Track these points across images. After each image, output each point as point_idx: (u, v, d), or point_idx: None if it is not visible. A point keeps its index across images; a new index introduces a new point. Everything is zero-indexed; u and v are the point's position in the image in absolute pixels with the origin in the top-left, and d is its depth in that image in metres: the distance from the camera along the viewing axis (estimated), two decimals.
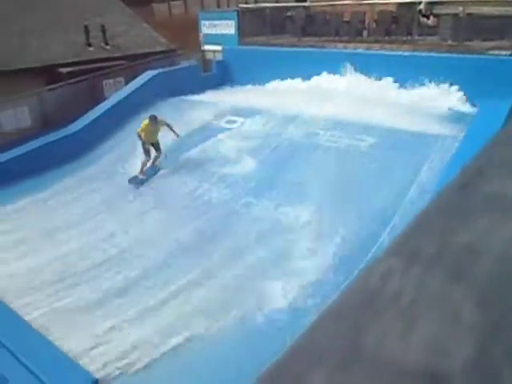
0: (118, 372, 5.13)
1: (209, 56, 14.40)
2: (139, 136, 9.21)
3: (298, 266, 6.25)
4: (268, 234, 7.02)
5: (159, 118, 9.25)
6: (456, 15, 10.80)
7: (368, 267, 0.36)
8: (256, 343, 5.20)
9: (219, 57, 13.98)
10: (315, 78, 11.60)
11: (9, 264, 7.15)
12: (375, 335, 0.28)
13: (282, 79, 12.20)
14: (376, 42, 11.62)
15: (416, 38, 11.31)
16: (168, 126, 9.31)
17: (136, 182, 9.36)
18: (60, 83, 12.91)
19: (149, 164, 9.50)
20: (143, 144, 9.24)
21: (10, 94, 11.44)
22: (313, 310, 5.27)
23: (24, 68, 13.29)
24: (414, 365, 0.26)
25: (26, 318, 5.84)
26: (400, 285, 0.33)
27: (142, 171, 9.37)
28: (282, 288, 5.91)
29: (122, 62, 14.73)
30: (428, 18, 11.43)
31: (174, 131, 9.38)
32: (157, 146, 9.41)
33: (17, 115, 11.75)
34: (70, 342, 5.48)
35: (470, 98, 9.41)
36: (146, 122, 9.13)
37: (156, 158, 9.56)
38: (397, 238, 0.41)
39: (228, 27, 13.84)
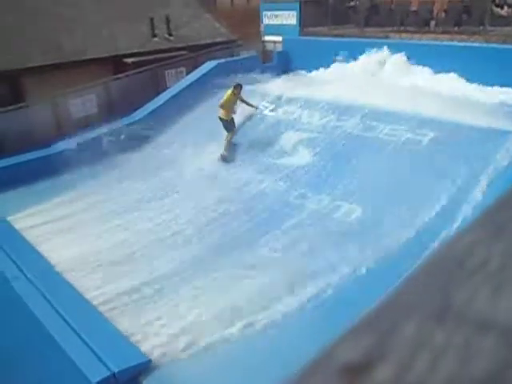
0: None
1: (269, 47, 14.41)
2: (221, 116, 9.48)
3: None
4: None
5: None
6: None
7: (454, 236, 0.36)
8: None
9: (279, 47, 13.95)
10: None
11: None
12: (464, 295, 0.29)
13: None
14: (444, 32, 11.13)
15: (488, 28, 10.72)
16: (244, 101, 9.76)
17: (224, 159, 9.66)
18: (125, 73, 13.42)
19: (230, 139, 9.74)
20: (223, 122, 9.56)
21: (79, 83, 12.04)
22: None
23: (93, 58, 13.93)
24: (501, 320, 0.27)
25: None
26: (487, 253, 0.33)
27: (225, 148, 9.64)
28: None
29: (184, 52, 15.06)
30: (502, 7, 10.80)
31: (251, 104, 9.85)
32: (232, 122, 9.67)
33: (85, 103, 12.35)
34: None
35: None
36: (229, 91, 9.47)
37: (233, 134, 9.80)
38: (483, 211, 0.41)
39: (289, 18, 13.78)
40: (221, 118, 9.48)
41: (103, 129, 11.08)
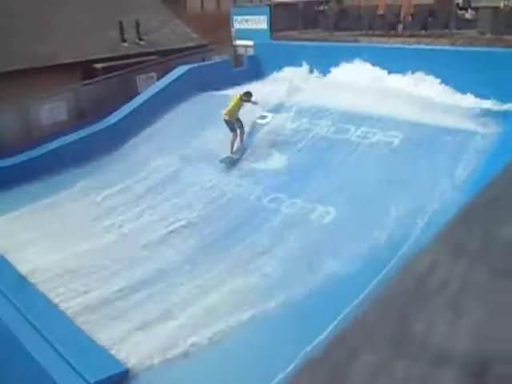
0: None
1: (240, 51, 14.42)
2: (226, 118, 9.39)
3: None
4: None
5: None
6: (496, 8, 10.45)
7: (414, 257, 0.36)
8: None
9: (251, 52, 13.98)
10: (346, 72, 11.45)
11: None
12: (423, 321, 0.28)
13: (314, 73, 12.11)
14: (411, 36, 11.36)
15: (453, 31, 10.99)
16: (251, 101, 9.70)
17: (229, 161, 9.43)
18: (95, 78, 13.21)
19: (237, 143, 9.60)
20: (228, 123, 9.44)
21: (48, 89, 11.78)
22: None
23: (62, 64, 13.66)
24: (461, 351, 0.27)
25: None
26: (447, 274, 0.33)
27: (232, 151, 9.49)
28: None
29: (155, 57, 14.92)
30: (466, 11, 11.11)
31: (253, 102, 9.74)
32: (240, 123, 9.57)
33: (54, 109, 12.09)
34: None
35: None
36: (238, 96, 9.46)
37: (242, 134, 9.68)
38: (442, 229, 0.40)
39: (260, 22, 13.82)
40: (226, 121, 9.44)
41: (72, 136, 10.88)
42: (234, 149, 9.48)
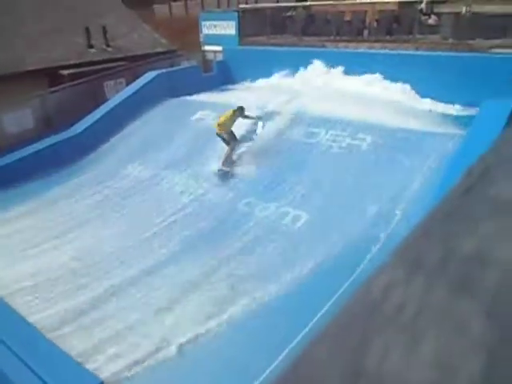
0: None
1: (209, 56, 14.40)
2: (219, 132, 9.07)
3: None
4: None
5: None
6: (458, 14, 10.76)
7: (369, 279, 0.34)
8: None
9: (220, 57, 13.97)
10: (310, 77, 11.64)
11: None
12: (378, 351, 0.27)
13: (282, 78, 12.21)
14: (377, 41, 11.58)
15: (417, 36, 11.27)
16: (247, 117, 9.45)
17: (222, 174, 9.09)
18: (62, 85, 12.93)
19: (234, 156, 9.29)
20: (221, 136, 9.13)
21: (13, 97, 11.45)
22: None
23: (27, 70, 13.31)
24: (418, 382, 0.25)
25: None
26: (403, 297, 0.31)
27: (224, 163, 9.09)
28: None
29: (123, 63, 14.74)
30: (429, 16, 11.40)
31: (253, 117, 9.53)
32: (233, 135, 9.24)
33: (19, 117, 11.76)
34: None
35: (469, 97, 9.37)
36: (231, 112, 9.16)
37: (235, 146, 9.34)
38: (399, 245, 0.39)
39: (228, 28, 13.84)
40: (219, 134, 9.07)
41: (39, 144, 10.60)
42: (227, 160, 9.11)
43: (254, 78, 12.71)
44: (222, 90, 12.81)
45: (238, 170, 9.04)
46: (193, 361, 5.21)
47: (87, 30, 15.42)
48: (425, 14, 11.31)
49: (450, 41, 10.73)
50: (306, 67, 11.76)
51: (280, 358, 4.68)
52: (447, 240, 0.40)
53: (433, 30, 11.26)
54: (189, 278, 6.38)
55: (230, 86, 13.13)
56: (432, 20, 11.41)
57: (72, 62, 14.41)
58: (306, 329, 4.89)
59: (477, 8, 10.42)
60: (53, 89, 12.80)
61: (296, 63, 11.88)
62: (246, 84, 12.88)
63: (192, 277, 6.41)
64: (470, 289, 0.33)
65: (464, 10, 10.54)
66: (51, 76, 13.75)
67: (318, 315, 5.06)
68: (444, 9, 11.35)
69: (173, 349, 5.33)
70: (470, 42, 10.28)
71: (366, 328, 0.29)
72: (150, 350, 5.34)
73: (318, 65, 11.56)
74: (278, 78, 12.24)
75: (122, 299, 6.19)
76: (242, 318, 5.59)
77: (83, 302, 6.22)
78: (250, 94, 11.61)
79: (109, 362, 5.29)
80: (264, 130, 9.63)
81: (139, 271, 6.71)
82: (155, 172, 9.75)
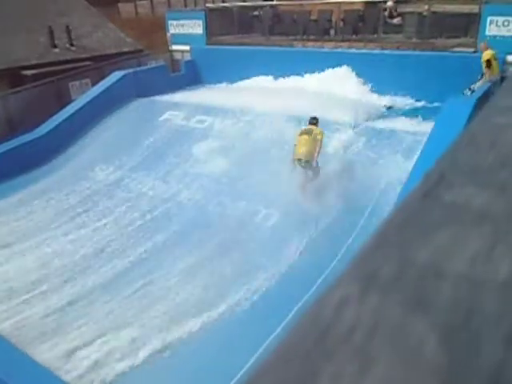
0: None
1: (177, 56, 14.24)
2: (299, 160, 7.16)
3: None
4: None
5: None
6: (420, 13, 11.00)
7: (321, 296, 0.32)
8: None
9: (187, 57, 13.84)
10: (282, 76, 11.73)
11: None
12: (327, 380, 0.25)
13: (250, 78, 12.19)
14: (343, 40, 11.71)
15: (382, 36, 11.45)
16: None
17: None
18: (24, 86, 12.52)
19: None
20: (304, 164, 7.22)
21: None
22: None
23: None
24: None
25: None
26: (355, 316, 0.30)
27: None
28: None
29: (89, 63, 14.41)
30: (393, 16, 11.60)
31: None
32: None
33: None
34: None
35: (431, 96, 9.60)
36: (304, 129, 7.28)
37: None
38: (353, 258, 0.38)
39: (196, 27, 13.72)
40: (300, 161, 7.19)
41: (0, 147, 10.24)
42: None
43: (221, 78, 12.64)
44: (190, 90, 12.69)
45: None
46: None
47: (50, 28, 15.01)
48: (390, 16, 11.51)
49: (414, 40, 10.96)
50: (274, 66, 11.78)
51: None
52: (403, 249, 0.39)
53: (397, 29, 11.47)
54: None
55: (198, 86, 13.03)
56: (396, 20, 11.62)
57: (34, 62, 13.99)
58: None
59: (437, 8, 10.68)
60: (14, 90, 12.39)
61: (264, 62, 11.89)
62: (215, 84, 12.82)
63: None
64: (425, 304, 0.32)
65: (426, 8, 10.78)
66: (13, 77, 13.31)
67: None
68: (407, 8, 11.58)
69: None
70: (432, 40, 10.54)
71: (316, 354, 0.27)
72: None
73: (283, 63, 11.64)
74: (245, 78, 12.23)
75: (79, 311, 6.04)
76: None
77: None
78: (219, 93, 11.57)
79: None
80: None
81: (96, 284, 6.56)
82: (123, 174, 9.57)
